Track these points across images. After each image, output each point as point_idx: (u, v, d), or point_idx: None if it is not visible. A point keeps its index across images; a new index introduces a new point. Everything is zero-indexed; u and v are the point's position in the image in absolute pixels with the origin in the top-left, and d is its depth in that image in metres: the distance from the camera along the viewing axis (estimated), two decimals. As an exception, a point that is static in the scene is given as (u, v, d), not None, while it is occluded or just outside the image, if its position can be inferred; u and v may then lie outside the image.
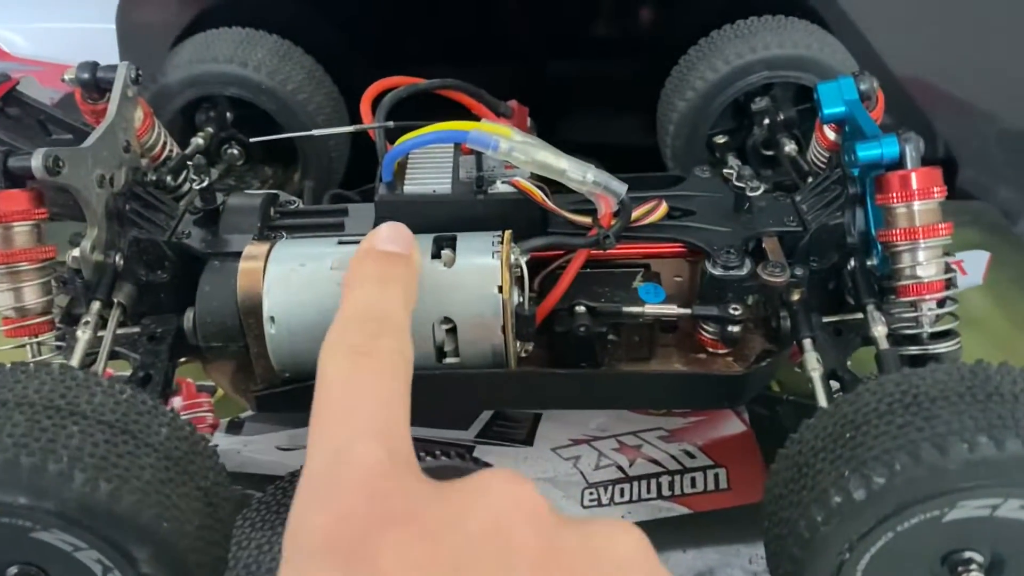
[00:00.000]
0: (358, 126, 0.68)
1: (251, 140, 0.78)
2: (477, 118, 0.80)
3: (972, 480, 0.46)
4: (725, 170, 0.75)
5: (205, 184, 0.67)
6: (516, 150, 0.64)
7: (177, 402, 0.79)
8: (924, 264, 0.60)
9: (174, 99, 0.85)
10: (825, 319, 0.67)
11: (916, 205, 0.59)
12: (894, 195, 0.60)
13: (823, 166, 0.75)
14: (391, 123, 0.68)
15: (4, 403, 0.49)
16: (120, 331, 0.67)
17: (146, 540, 0.49)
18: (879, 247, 0.63)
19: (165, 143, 0.77)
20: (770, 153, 0.89)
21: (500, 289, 0.61)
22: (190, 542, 0.51)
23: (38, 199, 0.62)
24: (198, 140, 0.81)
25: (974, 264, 0.90)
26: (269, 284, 0.62)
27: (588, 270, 0.68)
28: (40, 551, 0.49)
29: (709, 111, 0.87)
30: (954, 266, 0.65)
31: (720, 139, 0.89)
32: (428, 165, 0.69)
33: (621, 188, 0.64)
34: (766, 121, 0.87)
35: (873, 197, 0.63)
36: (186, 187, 0.77)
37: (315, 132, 0.68)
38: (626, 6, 0.97)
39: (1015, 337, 0.83)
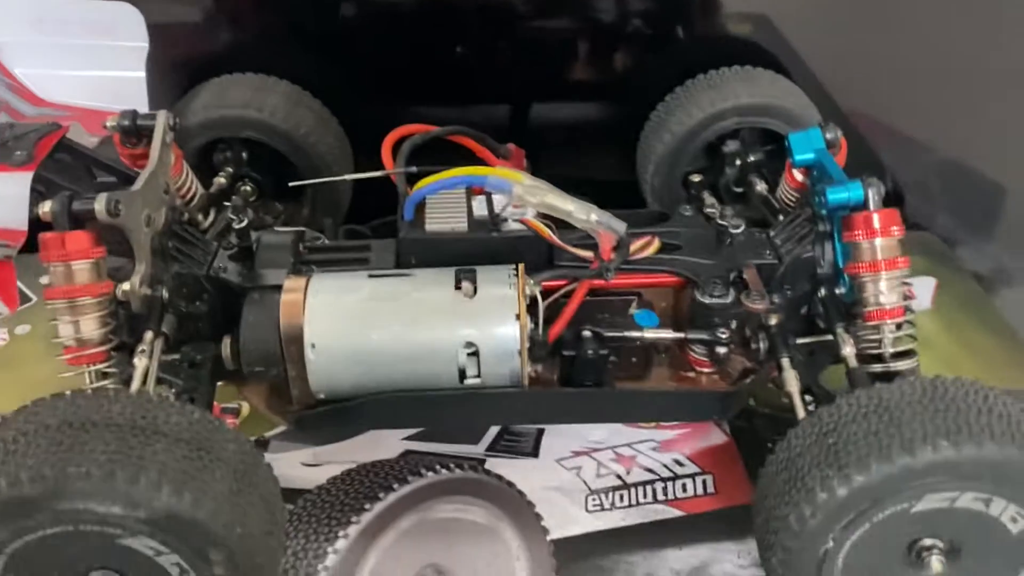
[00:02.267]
0: (384, 171, 0.75)
1: (291, 184, 0.84)
2: (481, 159, 0.88)
3: (935, 476, 0.54)
4: (706, 209, 0.84)
5: (244, 224, 0.74)
6: (528, 193, 0.72)
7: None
8: (886, 293, 0.69)
9: (193, 140, 0.91)
10: (799, 341, 0.76)
11: (878, 242, 0.68)
12: (859, 233, 0.69)
13: (792, 204, 0.84)
14: (414, 168, 0.75)
15: (95, 424, 0.55)
16: (163, 358, 0.73)
17: (221, 544, 0.55)
18: (846, 278, 0.72)
19: (192, 181, 0.83)
20: (740, 190, 0.98)
21: (518, 317, 0.69)
22: (257, 544, 0.58)
23: (97, 238, 0.67)
24: (220, 180, 0.88)
25: (922, 290, 1.00)
26: (310, 315, 0.69)
27: (588, 298, 0.76)
28: (124, 556, 0.55)
29: (685, 153, 0.96)
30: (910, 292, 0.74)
31: (695, 178, 0.98)
32: (444, 206, 0.77)
33: (621, 226, 0.73)
34: (737, 162, 0.96)
35: (840, 234, 0.72)
36: (208, 222, 0.84)
37: (347, 177, 0.76)
38: (608, 55, 1.06)
39: (962, 357, 0.93)
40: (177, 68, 0.93)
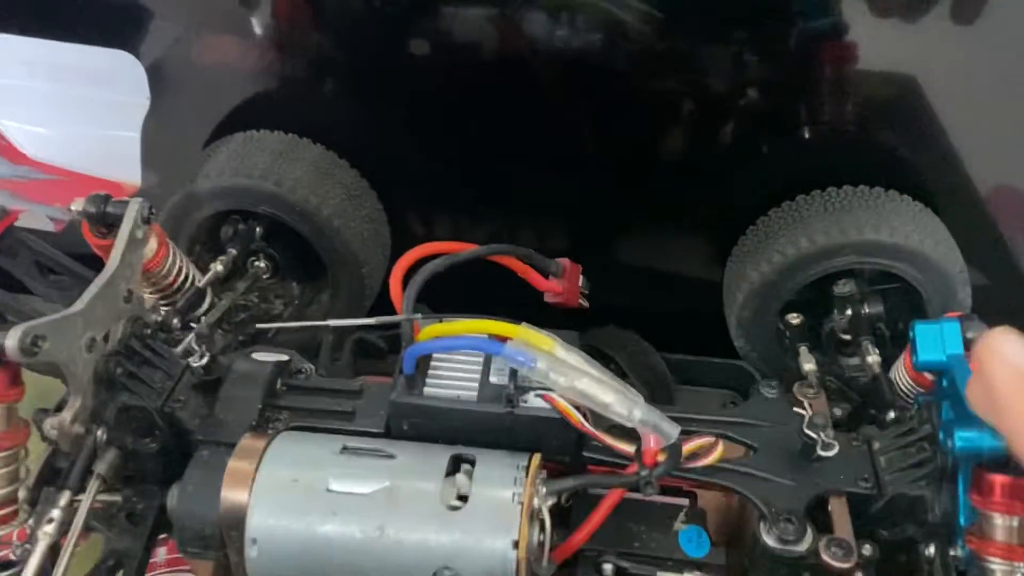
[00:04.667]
0: (381, 319, 0.60)
1: (257, 326, 0.70)
2: (522, 281, 0.73)
3: None
4: (803, 368, 0.67)
5: (205, 361, 0.60)
6: (555, 372, 0.56)
7: (161, 554, 0.73)
8: (1020, 591, 0.50)
9: (202, 207, 0.79)
10: (889, 596, 0.57)
11: (1018, 521, 0.50)
12: (996, 503, 0.50)
13: (909, 398, 0.65)
14: (418, 315, 0.60)
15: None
16: (101, 496, 0.61)
17: None
18: (964, 544, 0.53)
19: (181, 269, 0.70)
20: (848, 338, 0.79)
21: (516, 543, 0.53)
22: None
23: (13, 377, 0.55)
24: (217, 267, 0.74)
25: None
26: (257, 497, 0.55)
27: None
28: None
29: (784, 289, 0.78)
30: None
31: (794, 319, 0.80)
32: (454, 363, 0.61)
33: (672, 431, 0.55)
34: (848, 311, 0.77)
35: (967, 486, 0.53)
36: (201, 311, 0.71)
37: (331, 323, 0.61)
38: (706, 143, 0.87)
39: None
40: (180, 132, 0.79)
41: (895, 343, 0.78)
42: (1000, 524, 0.50)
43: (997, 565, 0.51)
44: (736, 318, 0.81)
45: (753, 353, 0.83)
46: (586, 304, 0.76)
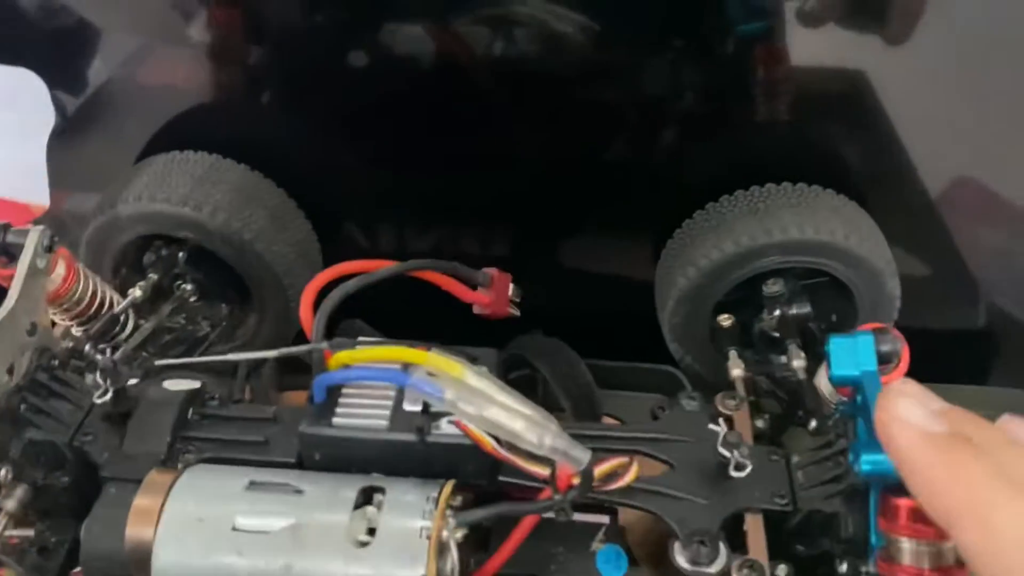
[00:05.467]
0: (285, 350, 0.59)
1: (156, 363, 0.68)
2: (448, 295, 0.72)
3: None
4: (719, 400, 0.66)
5: (109, 397, 0.59)
6: (463, 402, 0.55)
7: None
8: (927, 612, 0.50)
9: (124, 232, 0.77)
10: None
11: (924, 546, 0.49)
12: (901, 526, 0.50)
13: (832, 403, 0.65)
14: (325, 344, 0.58)
15: None
16: (13, 532, 0.60)
17: None
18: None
19: (95, 294, 0.69)
20: (778, 335, 0.79)
21: (424, 577, 0.52)
22: None
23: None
24: (136, 292, 0.73)
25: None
26: (162, 536, 0.54)
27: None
28: None
29: (711, 292, 0.77)
30: None
31: (724, 320, 0.79)
32: (369, 386, 0.60)
33: (583, 456, 0.55)
34: (777, 311, 0.76)
35: (876, 510, 0.53)
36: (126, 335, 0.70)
37: (231, 356, 0.59)
38: (637, 143, 0.85)
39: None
40: (100, 151, 0.77)
41: (824, 341, 0.77)
42: (907, 548, 0.50)
43: (903, 587, 0.50)
44: (668, 323, 0.80)
45: (688, 356, 0.83)
46: (517, 313, 0.75)
